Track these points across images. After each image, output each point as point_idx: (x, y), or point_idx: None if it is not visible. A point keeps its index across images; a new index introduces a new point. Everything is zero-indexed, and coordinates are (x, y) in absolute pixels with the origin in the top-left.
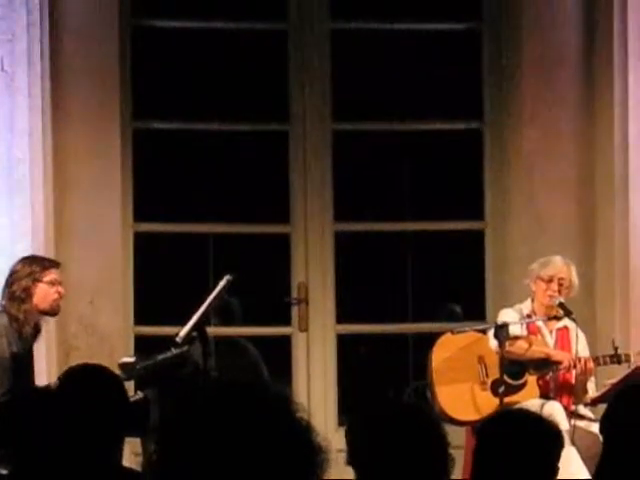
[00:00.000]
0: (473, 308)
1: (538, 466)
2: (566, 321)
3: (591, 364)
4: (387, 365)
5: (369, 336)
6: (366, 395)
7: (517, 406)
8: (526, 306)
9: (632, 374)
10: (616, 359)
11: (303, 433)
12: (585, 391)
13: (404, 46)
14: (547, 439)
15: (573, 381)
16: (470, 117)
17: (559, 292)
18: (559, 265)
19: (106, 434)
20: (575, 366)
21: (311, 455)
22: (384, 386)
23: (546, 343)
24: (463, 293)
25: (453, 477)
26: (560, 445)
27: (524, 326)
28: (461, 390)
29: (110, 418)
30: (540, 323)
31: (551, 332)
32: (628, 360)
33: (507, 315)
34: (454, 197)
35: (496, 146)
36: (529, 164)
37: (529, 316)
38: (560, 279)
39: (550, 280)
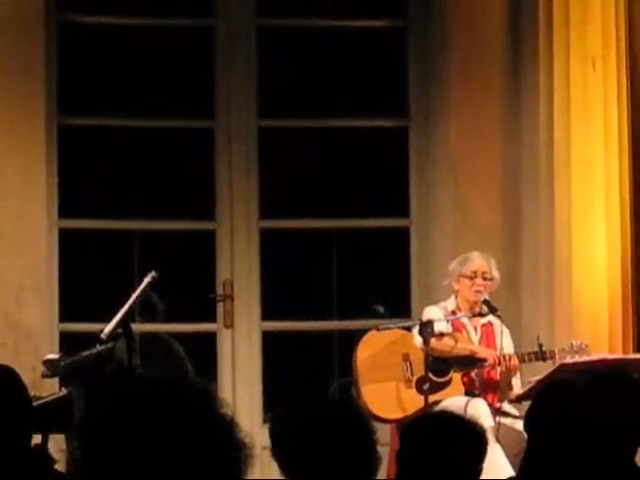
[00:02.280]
0: (399, 305)
1: (462, 468)
2: (490, 317)
3: (516, 361)
4: (312, 362)
5: (294, 333)
6: (291, 392)
7: (442, 403)
8: (450, 303)
9: (556, 371)
10: (541, 356)
11: (227, 429)
12: (510, 388)
13: (330, 42)
14: (471, 441)
15: (498, 378)
16: (396, 114)
17: (484, 287)
18: (479, 260)
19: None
20: (500, 363)
21: (235, 451)
22: (309, 383)
23: (471, 340)
24: (389, 290)
25: (378, 475)
26: (484, 447)
27: (449, 323)
28: (386, 388)
29: (9, 417)
30: (465, 320)
31: (476, 329)
32: (553, 357)
33: (432, 312)
34: (380, 194)
35: (422, 143)
36: (454, 161)
37: (454, 313)
38: (483, 273)
39: (474, 276)
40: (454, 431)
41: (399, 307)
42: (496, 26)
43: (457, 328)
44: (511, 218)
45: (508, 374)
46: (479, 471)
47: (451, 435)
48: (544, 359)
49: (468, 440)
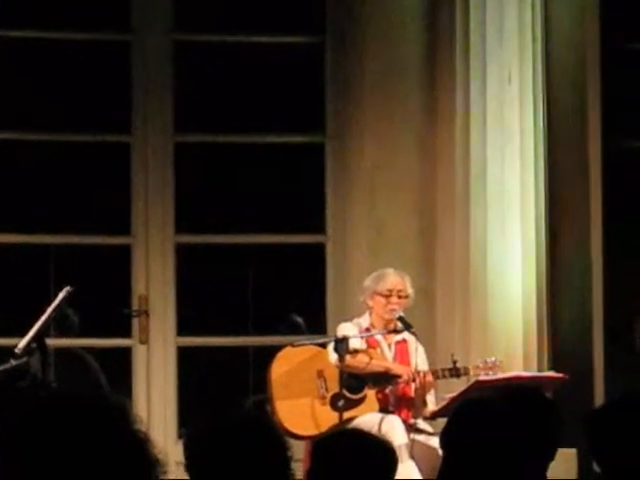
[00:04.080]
0: (314, 321)
1: None
2: (405, 334)
3: (430, 377)
4: (228, 378)
5: (210, 349)
6: (206, 408)
7: (356, 420)
8: (365, 320)
9: (471, 388)
10: (455, 372)
11: (140, 445)
12: (424, 405)
13: (247, 58)
14: (381, 459)
15: (412, 395)
16: (313, 130)
17: (399, 304)
18: (394, 278)
19: None
20: (414, 380)
21: (148, 467)
22: (224, 399)
23: (385, 357)
24: (304, 306)
25: None
26: (394, 465)
27: (363, 340)
28: (300, 404)
29: None
30: (379, 337)
31: (390, 346)
32: (467, 373)
33: (346, 329)
34: (296, 210)
35: (338, 159)
36: (370, 177)
37: (368, 330)
38: (399, 291)
39: (389, 294)
40: (364, 449)
41: (315, 323)
42: (413, 43)
43: (371, 345)
44: (427, 234)
45: (423, 391)
46: None
47: (361, 453)
48: (458, 376)
49: (378, 458)
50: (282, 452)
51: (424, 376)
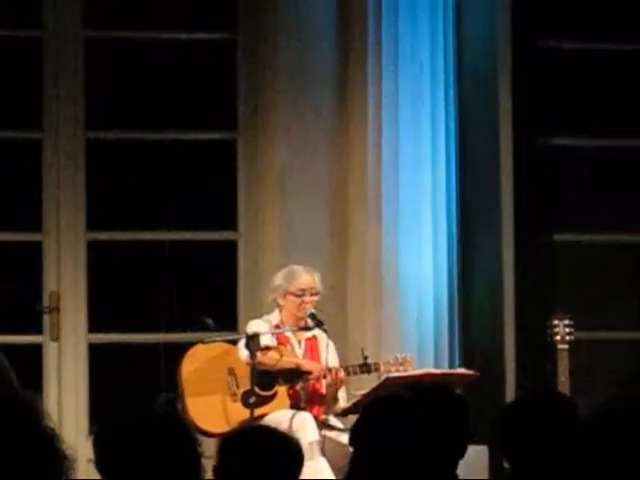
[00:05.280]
0: (226, 319)
1: None
2: (316, 331)
3: (341, 374)
4: (139, 375)
5: (121, 345)
6: (117, 405)
7: (267, 417)
8: (275, 317)
9: (382, 385)
10: (366, 368)
11: (49, 441)
12: (336, 401)
13: (160, 55)
14: (287, 456)
15: (323, 391)
16: (224, 127)
17: (311, 302)
18: (306, 277)
19: None
20: (325, 376)
21: (56, 463)
22: (135, 396)
23: (295, 354)
24: (216, 303)
25: None
26: (300, 462)
27: (274, 337)
28: (211, 401)
29: None
30: (289, 334)
31: (300, 342)
32: (378, 369)
33: (257, 326)
34: (208, 207)
35: (250, 156)
36: (282, 175)
37: (278, 327)
38: (311, 289)
39: (302, 294)
40: (270, 445)
41: (226, 320)
42: (325, 40)
43: (282, 342)
44: (339, 232)
45: (334, 387)
46: None
47: (267, 450)
48: (369, 372)
49: (283, 454)
50: (192, 449)
51: (335, 372)
